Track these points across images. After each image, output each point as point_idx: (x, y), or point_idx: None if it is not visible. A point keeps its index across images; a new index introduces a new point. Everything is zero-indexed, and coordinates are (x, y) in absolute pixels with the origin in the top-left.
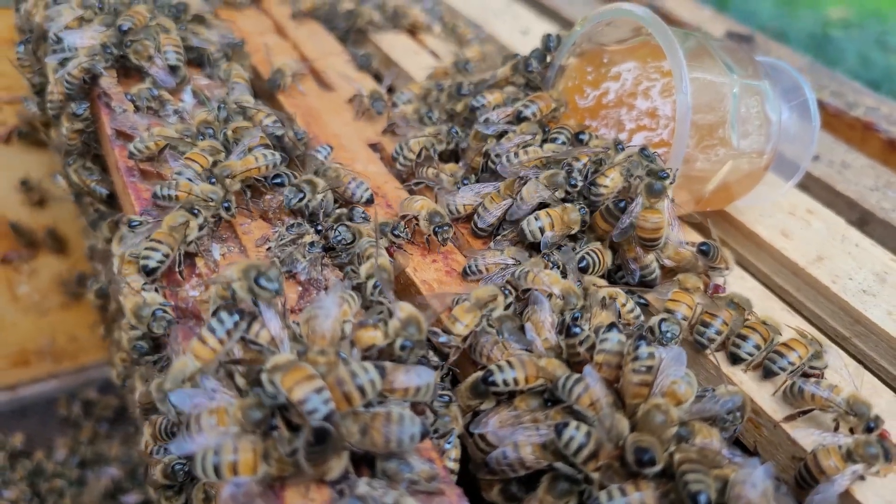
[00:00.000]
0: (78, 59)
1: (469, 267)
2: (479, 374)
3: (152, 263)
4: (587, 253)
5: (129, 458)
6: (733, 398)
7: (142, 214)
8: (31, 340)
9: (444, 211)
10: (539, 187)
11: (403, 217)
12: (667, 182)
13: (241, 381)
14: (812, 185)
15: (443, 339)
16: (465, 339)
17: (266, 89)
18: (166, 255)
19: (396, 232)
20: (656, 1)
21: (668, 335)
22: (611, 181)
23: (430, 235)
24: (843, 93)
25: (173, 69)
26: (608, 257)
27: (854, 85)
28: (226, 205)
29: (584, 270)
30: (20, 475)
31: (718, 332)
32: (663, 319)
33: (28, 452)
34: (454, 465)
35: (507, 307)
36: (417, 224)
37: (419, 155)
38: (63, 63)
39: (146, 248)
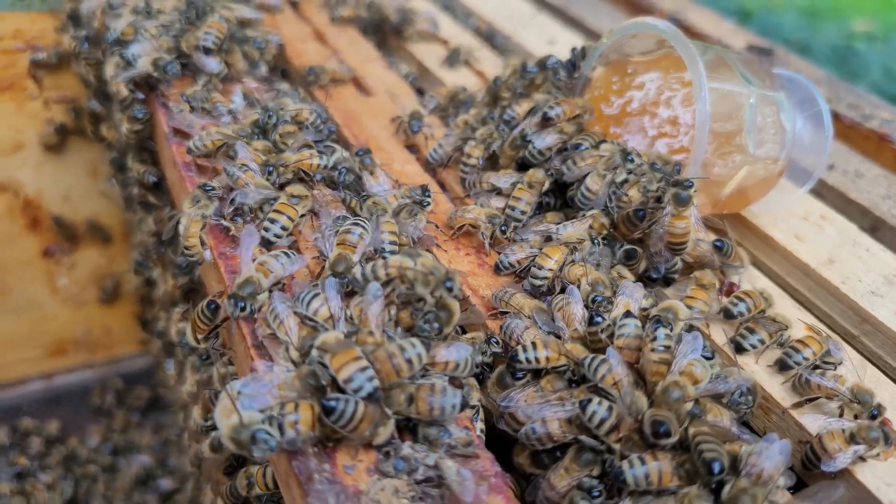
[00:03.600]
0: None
1: (501, 262)
2: (503, 368)
3: (271, 236)
4: (632, 247)
5: (160, 447)
6: (744, 380)
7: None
8: (68, 331)
9: (498, 212)
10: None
11: (460, 228)
12: (692, 191)
13: (294, 353)
14: (826, 193)
15: (538, 281)
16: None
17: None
18: (285, 228)
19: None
20: (680, 14)
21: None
22: (632, 194)
23: (493, 236)
24: (859, 105)
25: (207, 51)
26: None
27: (870, 98)
28: None
29: (630, 257)
30: (56, 460)
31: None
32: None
33: (63, 439)
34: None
35: (591, 253)
36: (476, 229)
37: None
38: (127, 66)
39: (266, 220)
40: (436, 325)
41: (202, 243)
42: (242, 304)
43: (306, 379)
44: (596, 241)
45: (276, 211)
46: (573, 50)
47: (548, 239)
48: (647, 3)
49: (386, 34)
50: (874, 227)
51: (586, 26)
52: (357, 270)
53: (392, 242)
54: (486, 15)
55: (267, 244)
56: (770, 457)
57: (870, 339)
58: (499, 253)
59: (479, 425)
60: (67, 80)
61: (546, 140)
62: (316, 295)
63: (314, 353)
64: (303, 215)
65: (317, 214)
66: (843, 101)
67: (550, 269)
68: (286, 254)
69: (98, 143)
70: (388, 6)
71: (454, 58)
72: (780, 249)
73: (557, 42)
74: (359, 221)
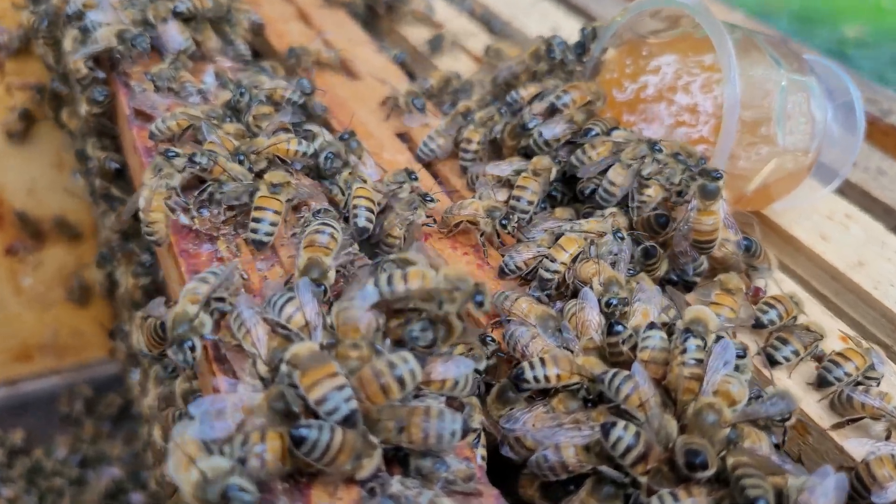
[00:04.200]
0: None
1: (506, 265)
2: (506, 381)
3: (262, 237)
4: (651, 244)
5: (132, 458)
6: (787, 402)
7: None
8: (33, 334)
9: (499, 204)
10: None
11: (457, 225)
12: (720, 182)
13: (262, 368)
14: (848, 191)
15: (548, 275)
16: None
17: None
18: (274, 224)
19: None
20: None
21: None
22: (652, 191)
23: (493, 232)
24: (877, 100)
25: (177, 15)
26: (665, 263)
27: (888, 92)
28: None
29: (649, 255)
30: (19, 473)
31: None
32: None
33: (27, 450)
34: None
35: (610, 251)
36: (475, 226)
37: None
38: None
39: (251, 221)
40: (430, 336)
41: (171, 211)
42: (190, 344)
43: (275, 401)
44: (618, 236)
45: (258, 208)
46: (583, 30)
47: (559, 237)
48: None
49: (378, 16)
50: None
51: (589, 13)
52: (370, 287)
53: (368, 209)
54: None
55: (259, 245)
56: (825, 494)
57: None
58: (503, 255)
59: (481, 451)
60: (32, 65)
61: (554, 130)
62: (290, 299)
63: (283, 368)
64: (289, 199)
65: (296, 207)
66: (861, 95)
67: (563, 263)
68: (213, 272)
69: (62, 131)
70: None
71: (437, 43)
72: (805, 251)
73: (561, 29)
74: (328, 222)
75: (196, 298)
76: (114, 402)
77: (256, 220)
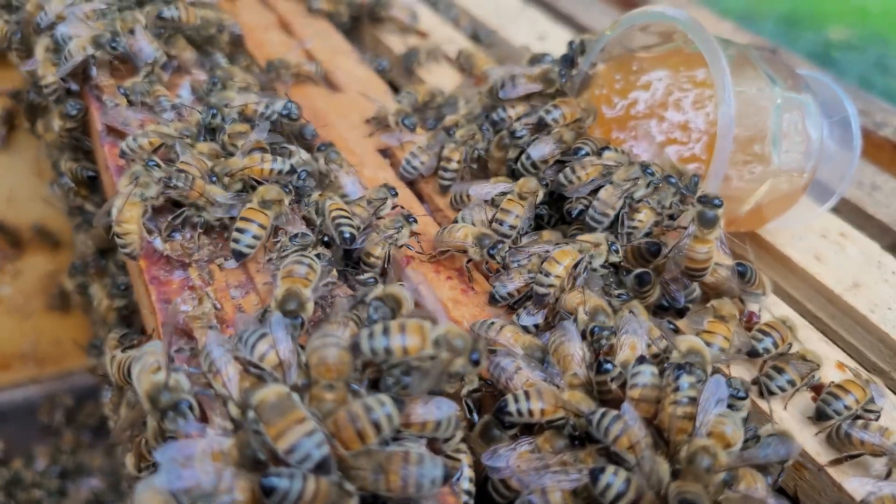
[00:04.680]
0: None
1: (497, 293)
2: (490, 417)
3: (243, 248)
4: (646, 271)
5: (113, 470)
6: (787, 446)
7: None
8: (12, 343)
9: (488, 231)
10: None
11: (443, 252)
12: (720, 211)
13: (234, 410)
14: (842, 208)
15: (543, 290)
16: (562, 283)
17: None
18: (257, 237)
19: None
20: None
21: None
22: (644, 216)
23: (482, 260)
24: (870, 111)
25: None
26: (656, 290)
27: (881, 104)
28: None
29: (643, 283)
30: None
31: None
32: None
33: (6, 461)
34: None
35: (607, 261)
36: (465, 254)
37: (464, 159)
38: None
39: (235, 230)
40: (405, 379)
41: (148, 233)
42: (187, 404)
43: (245, 448)
44: (613, 248)
45: (244, 219)
46: (570, 43)
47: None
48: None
49: (361, 25)
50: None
51: (577, 21)
52: (365, 344)
53: (346, 219)
54: (471, 8)
55: (239, 256)
56: None
57: None
58: (493, 283)
59: (466, 484)
60: (11, 72)
61: (542, 150)
62: (263, 336)
63: (250, 414)
64: (277, 218)
65: (273, 231)
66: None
67: (558, 277)
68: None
69: (40, 140)
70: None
71: (410, 59)
72: (800, 272)
73: (548, 37)
74: (304, 258)
75: (155, 369)
76: (95, 411)
77: (240, 231)
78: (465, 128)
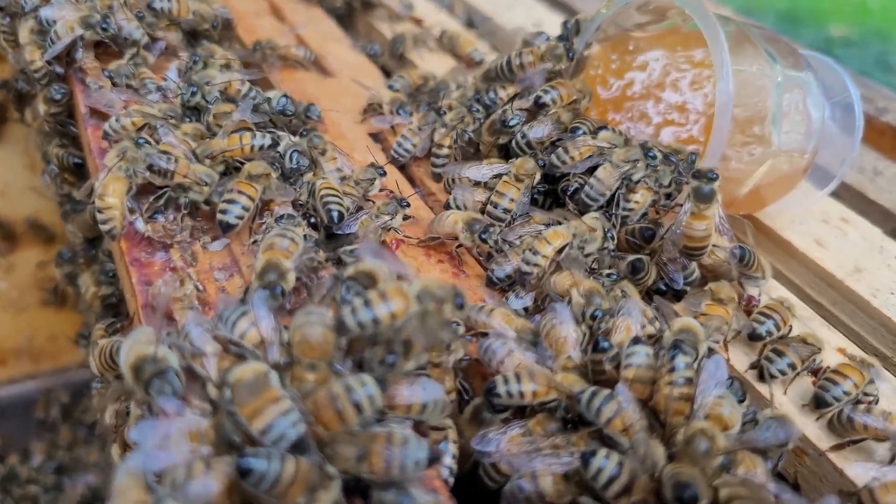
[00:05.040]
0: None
1: (494, 275)
2: (481, 400)
3: (231, 219)
4: (640, 258)
5: (109, 465)
6: (787, 429)
7: None
8: (7, 339)
9: (479, 216)
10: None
11: (434, 238)
12: (716, 184)
13: (212, 391)
14: (843, 193)
15: (527, 268)
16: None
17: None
18: (246, 209)
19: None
20: None
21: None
22: (640, 196)
23: (473, 245)
24: (872, 97)
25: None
26: (654, 272)
27: (883, 90)
28: None
29: (637, 271)
30: None
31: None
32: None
33: (2, 457)
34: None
35: (602, 248)
36: (457, 240)
37: (455, 142)
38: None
39: (224, 202)
40: (390, 357)
41: (130, 213)
42: (172, 372)
43: (222, 428)
44: (609, 235)
45: (232, 190)
46: (565, 23)
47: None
48: None
49: (355, 12)
50: None
51: (573, 8)
52: (350, 320)
53: (335, 198)
54: None
55: (227, 228)
56: None
57: None
58: (491, 266)
59: (449, 460)
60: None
61: (541, 131)
62: (244, 313)
63: (226, 394)
64: (264, 191)
65: (259, 211)
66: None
67: (545, 256)
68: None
69: (31, 130)
70: None
71: (396, 45)
72: (800, 257)
73: (544, 24)
74: (289, 228)
75: (144, 344)
76: (91, 407)
77: (229, 202)
78: (454, 110)
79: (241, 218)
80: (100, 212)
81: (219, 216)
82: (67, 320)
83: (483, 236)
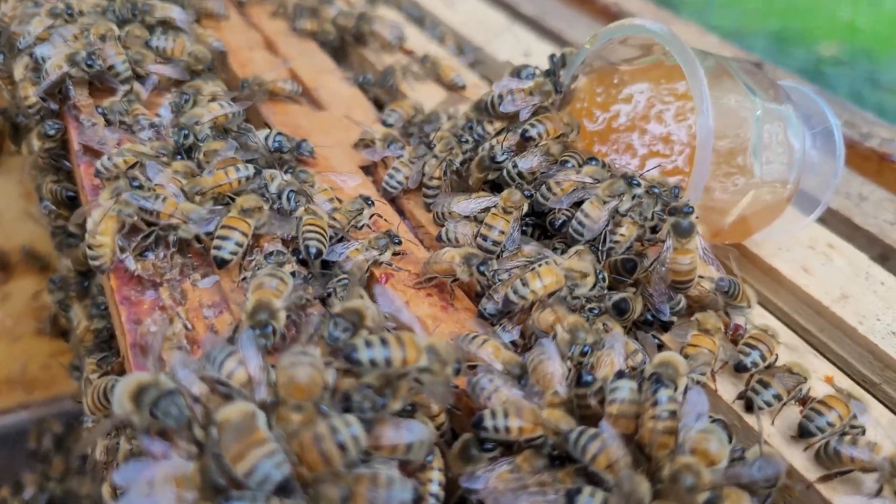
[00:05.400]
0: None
1: (485, 310)
2: (469, 436)
3: (226, 255)
4: (624, 298)
5: (102, 497)
6: (774, 465)
7: None
8: (1, 368)
9: (475, 250)
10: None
11: (431, 279)
12: (693, 217)
13: (199, 433)
14: (830, 219)
15: (514, 298)
16: (534, 302)
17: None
18: (240, 244)
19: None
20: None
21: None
22: (626, 230)
23: (472, 279)
24: (856, 123)
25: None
26: (639, 304)
27: (867, 115)
28: None
29: (622, 311)
30: None
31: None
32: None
33: None
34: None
35: (591, 289)
36: (454, 278)
37: (444, 174)
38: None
39: (217, 238)
40: (378, 400)
41: (121, 251)
42: (177, 399)
43: (207, 473)
44: (601, 277)
45: (225, 226)
46: (552, 57)
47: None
48: (627, 13)
49: (347, 44)
50: (884, 256)
51: (563, 38)
52: (363, 355)
53: (316, 234)
54: (457, 26)
55: (221, 263)
56: None
57: (893, 388)
58: (484, 300)
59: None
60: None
61: (530, 161)
62: (231, 353)
63: (213, 434)
64: (258, 227)
65: (249, 248)
66: (839, 118)
67: (533, 291)
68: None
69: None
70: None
71: (387, 77)
72: (787, 284)
73: (532, 54)
74: (275, 273)
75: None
76: (83, 438)
77: (222, 238)
78: (441, 142)
79: (234, 253)
80: (91, 248)
81: (213, 252)
82: (61, 350)
83: (481, 269)
